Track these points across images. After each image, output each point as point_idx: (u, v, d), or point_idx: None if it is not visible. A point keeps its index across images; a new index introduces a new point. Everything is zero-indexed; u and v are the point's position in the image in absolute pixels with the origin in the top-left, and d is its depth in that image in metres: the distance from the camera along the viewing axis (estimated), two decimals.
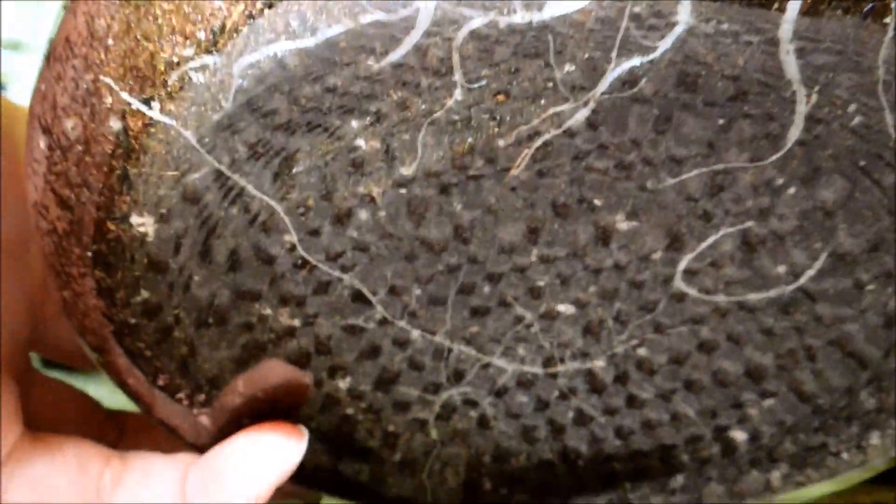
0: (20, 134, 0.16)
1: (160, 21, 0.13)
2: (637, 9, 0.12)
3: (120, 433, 0.22)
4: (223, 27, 0.13)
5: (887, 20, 0.13)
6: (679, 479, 0.20)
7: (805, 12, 0.12)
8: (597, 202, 0.16)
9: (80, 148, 0.14)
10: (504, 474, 0.21)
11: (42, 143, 0.15)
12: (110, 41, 0.13)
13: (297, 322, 0.17)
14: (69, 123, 0.14)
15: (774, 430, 0.19)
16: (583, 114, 0.14)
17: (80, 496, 0.17)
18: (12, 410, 0.17)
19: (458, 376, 0.19)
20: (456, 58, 0.13)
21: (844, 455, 0.19)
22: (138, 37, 0.13)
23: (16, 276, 0.18)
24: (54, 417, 0.20)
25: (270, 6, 0.13)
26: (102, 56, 0.14)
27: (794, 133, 0.14)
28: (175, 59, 0.13)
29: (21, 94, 0.30)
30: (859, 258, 0.16)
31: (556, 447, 0.20)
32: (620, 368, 0.19)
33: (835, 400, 0.19)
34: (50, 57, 0.14)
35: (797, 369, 0.18)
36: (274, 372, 0.18)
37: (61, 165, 0.14)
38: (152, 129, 0.14)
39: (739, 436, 0.19)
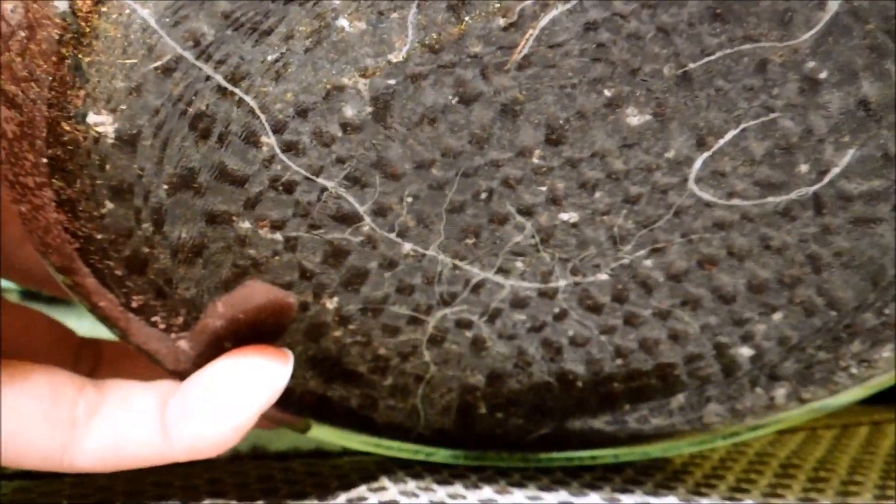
0: None
1: None
2: None
3: (96, 363, 0.21)
4: None
5: None
6: (679, 399, 0.20)
7: None
8: (607, 93, 0.15)
9: (23, 34, 0.13)
10: (500, 397, 0.20)
11: None
12: None
13: (278, 237, 0.16)
14: (8, 6, 0.13)
15: (778, 347, 0.19)
16: None
17: (52, 427, 0.16)
18: None
19: (451, 295, 0.18)
20: None
21: (853, 370, 0.19)
22: None
23: None
24: (23, 344, 0.19)
25: None
26: None
27: (834, 3, 0.13)
28: None
29: None
30: (882, 161, 0.15)
31: (554, 369, 0.19)
32: (622, 284, 0.18)
33: (843, 316, 0.18)
34: None
35: (804, 283, 0.17)
36: (256, 292, 0.17)
37: (4, 56, 0.13)
38: (104, 9, 0.12)
39: (742, 353, 0.19)
